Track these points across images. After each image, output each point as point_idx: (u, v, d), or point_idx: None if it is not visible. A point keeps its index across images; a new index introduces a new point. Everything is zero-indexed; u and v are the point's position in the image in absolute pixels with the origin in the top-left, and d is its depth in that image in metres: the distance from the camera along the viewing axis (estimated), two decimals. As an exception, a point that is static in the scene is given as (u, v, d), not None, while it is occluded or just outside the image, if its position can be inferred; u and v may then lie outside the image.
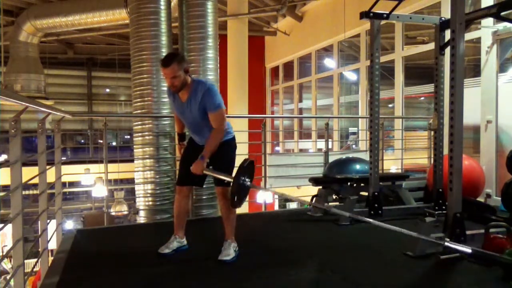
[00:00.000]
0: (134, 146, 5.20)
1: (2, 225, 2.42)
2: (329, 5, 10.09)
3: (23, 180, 2.32)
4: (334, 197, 4.69)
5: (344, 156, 6.12)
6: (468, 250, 2.75)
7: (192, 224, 3.11)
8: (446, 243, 2.77)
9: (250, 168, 2.79)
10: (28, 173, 2.59)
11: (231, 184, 2.73)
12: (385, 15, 4.33)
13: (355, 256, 3.20)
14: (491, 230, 3.07)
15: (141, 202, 5.10)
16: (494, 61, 5.48)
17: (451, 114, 3.23)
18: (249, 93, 10.05)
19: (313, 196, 4.69)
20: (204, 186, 3.61)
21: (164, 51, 5.01)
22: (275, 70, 13.91)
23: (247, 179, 2.75)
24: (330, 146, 9.00)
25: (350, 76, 10.28)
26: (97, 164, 9.00)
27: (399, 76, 7.87)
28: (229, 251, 3.00)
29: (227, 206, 3.02)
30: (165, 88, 5.03)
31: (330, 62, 10.80)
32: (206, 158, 2.87)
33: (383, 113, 6.28)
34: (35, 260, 3.42)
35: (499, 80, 5.49)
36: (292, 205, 11.67)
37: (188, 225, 3.26)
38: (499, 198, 4.29)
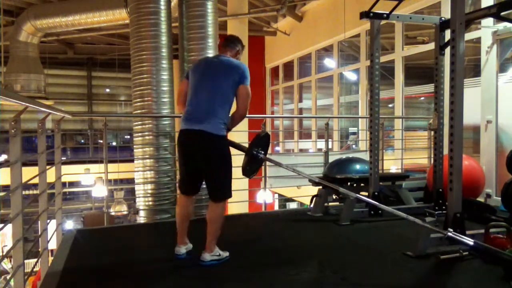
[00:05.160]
0: (134, 146, 5.21)
1: (2, 225, 2.42)
2: (329, 5, 10.08)
3: (23, 180, 2.32)
4: (334, 197, 4.69)
5: (344, 156, 6.11)
6: (470, 242, 2.77)
7: (192, 224, 3.10)
8: (449, 233, 2.78)
9: (265, 140, 2.81)
10: (28, 173, 2.59)
11: (245, 154, 2.75)
12: (385, 15, 4.33)
13: (355, 256, 3.20)
14: (491, 230, 3.08)
15: (141, 202, 5.11)
16: (494, 61, 5.47)
17: (451, 114, 3.23)
18: (249, 93, 10.03)
19: (313, 196, 4.68)
20: (204, 187, 3.60)
21: (164, 51, 5.02)
22: (275, 70, 13.89)
23: (261, 151, 2.79)
24: (330, 146, 8.99)
25: (350, 76, 10.28)
26: (97, 164, 8.99)
27: (399, 76, 7.86)
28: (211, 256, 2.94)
29: (222, 215, 2.95)
30: (165, 88, 5.06)
31: (330, 62, 10.79)
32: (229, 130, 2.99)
33: (383, 113, 6.25)
34: (35, 260, 3.42)
35: (499, 80, 5.48)
36: (292, 205, 11.68)
37: (188, 225, 3.25)
38: (499, 198, 4.29)
